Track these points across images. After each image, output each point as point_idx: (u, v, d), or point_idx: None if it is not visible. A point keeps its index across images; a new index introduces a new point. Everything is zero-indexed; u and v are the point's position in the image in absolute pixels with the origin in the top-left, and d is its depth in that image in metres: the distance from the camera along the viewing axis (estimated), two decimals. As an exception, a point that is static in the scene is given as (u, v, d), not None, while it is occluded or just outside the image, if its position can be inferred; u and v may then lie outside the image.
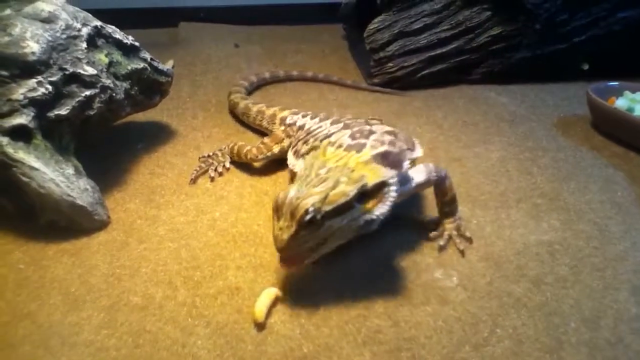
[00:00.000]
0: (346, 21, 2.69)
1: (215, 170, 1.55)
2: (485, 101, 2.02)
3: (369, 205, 1.06)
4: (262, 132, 1.76)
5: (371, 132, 1.21)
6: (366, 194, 1.06)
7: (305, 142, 1.36)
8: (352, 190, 1.03)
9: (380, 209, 1.07)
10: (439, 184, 1.26)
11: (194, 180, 1.52)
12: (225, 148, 1.60)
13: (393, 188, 1.09)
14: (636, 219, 1.35)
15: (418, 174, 1.21)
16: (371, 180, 1.06)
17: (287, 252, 1.03)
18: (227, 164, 1.58)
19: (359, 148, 1.14)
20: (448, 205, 1.28)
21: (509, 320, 1.07)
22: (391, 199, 1.08)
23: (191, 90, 2.13)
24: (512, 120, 1.87)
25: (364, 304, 1.10)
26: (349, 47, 2.66)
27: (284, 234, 1.01)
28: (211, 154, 1.60)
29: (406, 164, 1.18)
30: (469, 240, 1.26)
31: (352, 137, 1.20)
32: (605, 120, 1.74)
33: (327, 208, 1.01)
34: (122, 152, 1.64)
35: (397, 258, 1.23)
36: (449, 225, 1.27)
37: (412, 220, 1.34)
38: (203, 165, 1.56)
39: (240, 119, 1.86)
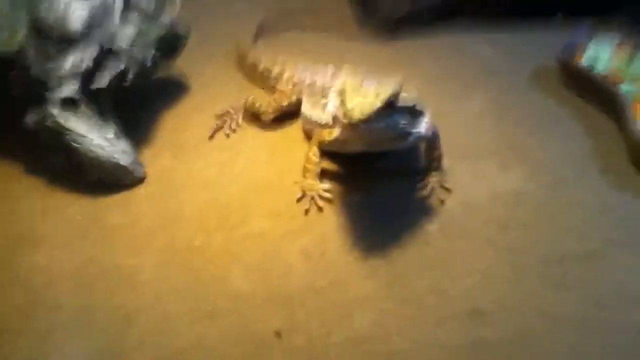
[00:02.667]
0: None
1: (230, 127, 1.77)
2: (467, 51, 2.20)
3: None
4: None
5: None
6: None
7: (324, 96, 1.61)
8: (412, 98, 1.30)
9: (417, 128, 1.37)
10: (432, 141, 1.51)
11: (212, 137, 1.75)
12: (237, 105, 1.81)
13: (427, 117, 1.39)
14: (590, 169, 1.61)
15: (422, 128, 1.43)
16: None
17: (364, 123, 1.18)
18: (240, 120, 1.79)
19: None
20: (435, 161, 1.53)
21: (480, 259, 1.35)
22: (425, 123, 1.38)
23: (197, 40, 2.23)
24: (493, 71, 2.06)
25: (364, 246, 1.37)
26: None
27: (364, 107, 1.18)
28: (225, 111, 1.81)
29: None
30: (449, 191, 1.51)
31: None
32: (572, 78, 1.95)
33: (399, 102, 1.25)
34: (145, 110, 1.83)
35: (390, 205, 1.49)
36: (433, 179, 1.52)
37: (404, 170, 1.59)
38: (219, 122, 1.78)
39: (247, 72, 2.05)
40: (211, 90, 1.98)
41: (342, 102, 1.21)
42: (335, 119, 1.28)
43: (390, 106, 1.23)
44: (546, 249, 1.38)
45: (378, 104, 1.20)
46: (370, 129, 1.24)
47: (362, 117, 1.18)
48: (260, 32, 2.30)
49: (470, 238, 1.40)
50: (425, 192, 1.51)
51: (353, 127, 1.21)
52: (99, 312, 1.23)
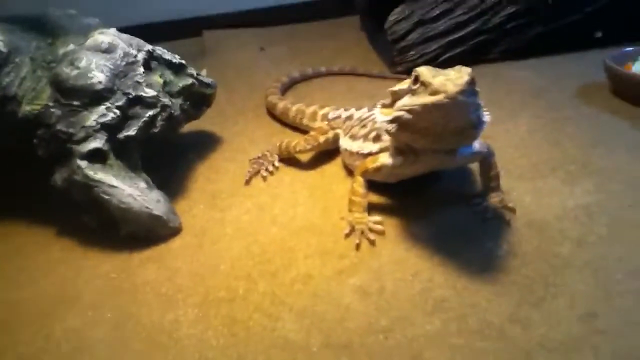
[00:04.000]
0: (362, 12, 2.79)
1: (267, 170, 1.68)
2: (506, 78, 2.12)
3: None
4: (301, 131, 1.88)
5: None
6: None
7: (364, 126, 1.52)
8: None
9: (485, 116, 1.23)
10: (487, 159, 1.39)
11: (248, 182, 1.65)
12: (272, 148, 1.73)
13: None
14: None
15: (475, 143, 1.33)
16: None
17: (460, 94, 1.08)
18: (276, 163, 1.70)
19: None
20: (494, 181, 1.40)
21: (560, 279, 1.18)
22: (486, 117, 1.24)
23: (227, 97, 2.24)
24: (535, 93, 1.97)
25: (426, 278, 1.22)
26: (368, 37, 2.76)
27: (458, 79, 1.08)
28: (260, 155, 1.73)
29: None
30: (513, 210, 1.37)
31: None
32: (624, 86, 1.83)
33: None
34: (177, 163, 1.77)
35: (449, 232, 1.34)
36: (493, 200, 1.39)
37: (459, 194, 1.46)
38: (255, 166, 1.69)
39: (279, 119, 1.98)
40: (244, 140, 1.92)
41: (427, 84, 1.10)
42: (398, 120, 1.19)
43: (473, 83, 1.12)
44: (633, 263, 1.20)
45: (466, 77, 1.09)
46: (460, 105, 1.10)
47: (458, 87, 1.07)
48: (288, 83, 2.26)
49: (546, 258, 1.24)
50: (487, 215, 1.36)
51: (450, 98, 1.07)
52: (136, 376, 1.10)
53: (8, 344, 1.20)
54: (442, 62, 2.18)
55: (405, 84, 1.20)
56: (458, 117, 1.15)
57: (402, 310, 1.16)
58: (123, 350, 1.15)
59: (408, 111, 1.17)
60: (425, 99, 1.11)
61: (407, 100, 1.17)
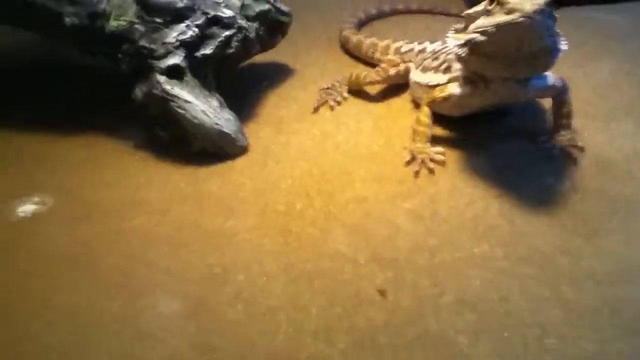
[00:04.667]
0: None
1: (335, 100, 1.70)
2: (593, 21, 2.01)
3: None
4: (373, 65, 1.88)
5: None
6: None
7: (436, 59, 1.50)
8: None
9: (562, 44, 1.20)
10: (561, 94, 1.35)
11: (316, 110, 1.68)
12: (342, 79, 1.75)
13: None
14: None
15: (550, 77, 1.31)
16: None
17: (537, 14, 1.06)
18: (345, 94, 1.72)
19: None
20: (565, 118, 1.36)
21: (618, 216, 1.16)
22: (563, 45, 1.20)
23: (302, 30, 2.24)
24: (621, 38, 1.86)
25: (481, 207, 1.23)
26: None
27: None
28: (330, 85, 1.75)
29: None
30: (582, 149, 1.33)
31: None
32: None
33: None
34: (250, 90, 1.83)
35: (511, 167, 1.33)
36: (562, 138, 1.35)
37: (527, 130, 1.43)
38: (324, 95, 1.72)
39: (352, 53, 1.99)
40: (315, 71, 1.94)
41: (503, 2, 1.08)
42: (470, 43, 1.18)
43: (552, 5, 1.10)
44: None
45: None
46: (536, 25, 1.08)
47: (535, 7, 1.05)
48: (364, 19, 2.25)
49: (607, 196, 1.22)
50: (554, 152, 1.34)
51: (527, 16, 1.05)
52: (193, 271, 1.19)
53: (81, 236, 1.32)
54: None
55: (480, 6, 1.18)
56: (532, 40, 1.12)
57: (452, 233, 1.18)
58: (184, 248, 1.25)
59: (481, 32, 1.15)
60: (500, 18, 1.09)
61: (481, 22, 1.15)
